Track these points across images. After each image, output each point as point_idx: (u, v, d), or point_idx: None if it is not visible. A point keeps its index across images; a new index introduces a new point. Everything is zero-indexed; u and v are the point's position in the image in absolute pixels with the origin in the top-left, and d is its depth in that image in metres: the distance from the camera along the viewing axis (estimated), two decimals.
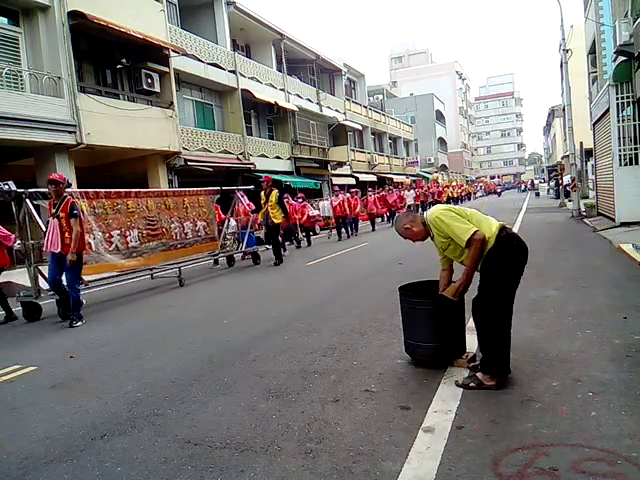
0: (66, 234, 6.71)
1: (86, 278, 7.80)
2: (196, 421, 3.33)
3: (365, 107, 38.19)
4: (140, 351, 5.21)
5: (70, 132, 13.29)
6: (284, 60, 26.03)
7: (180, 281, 9.48)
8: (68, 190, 7.33)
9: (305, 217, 16.47)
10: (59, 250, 6.69)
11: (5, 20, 13.07)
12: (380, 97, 48.92)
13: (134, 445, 3.06)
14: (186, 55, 17.94)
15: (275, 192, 11.49)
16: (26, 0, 12.81)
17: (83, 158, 14.69)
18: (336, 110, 31.56)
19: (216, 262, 12.14)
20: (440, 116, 62.76)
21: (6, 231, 7.55)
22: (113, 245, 8.53)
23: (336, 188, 21.39)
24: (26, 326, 7.02)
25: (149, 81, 16.10)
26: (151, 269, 9.64)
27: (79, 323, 6.72)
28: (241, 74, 21.98)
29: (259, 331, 5.54)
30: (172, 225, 9.97)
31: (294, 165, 26.18)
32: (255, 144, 22.95)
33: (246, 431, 3.11)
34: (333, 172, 30.56)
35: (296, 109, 25.76)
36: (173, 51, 16.97)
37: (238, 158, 21.22)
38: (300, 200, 16.92)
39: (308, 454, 2.78)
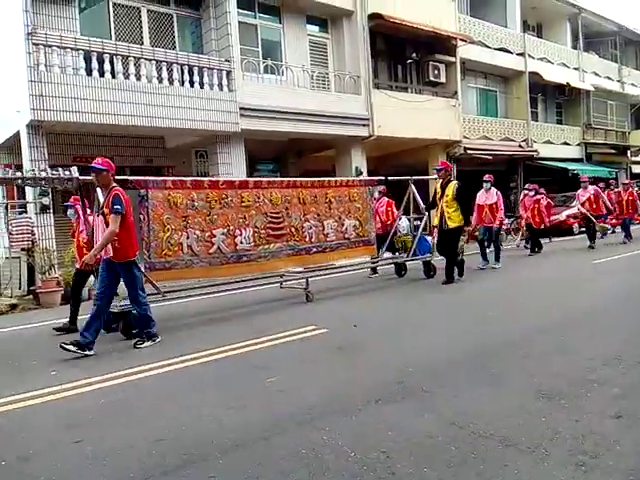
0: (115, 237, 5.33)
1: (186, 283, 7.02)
2: (461, 405, 3.44)
3: None
4: (403, 330, 5.61)
5: (364, 125, 14.76)
6: (580, 36, 23.55)
7: (307, 296, 7.58)
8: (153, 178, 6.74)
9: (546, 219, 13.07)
10: (109, 256, 5.42)
11: (316, 28, 15.14)
12: None
13: (402, 414, 3.34)
14: (473, 43, 17.85)
15: (454, 184, 8.67)
16: (334, 8, 14.56)
17: (372, 148, 16.10)
18: None
19: (374, 271, 9.97)
20: None
21: None
22: (214, 247, 7.04)
23: (584, 178, 14.21)
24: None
25: (435, 72, 16.63)
26: (281, 276, 8.15)
27: (147, 344, 5.47)
28: (530, 56, 20.80)
29: (532, 327, 5.35)
30: (306, 224, 8.10)
31: (584, 151, 23.67)
32: (540, 130, 21.59)
33: (512, 427, 3.08)
34: (634, 159, 26.45)
35: (592, 89, 23.14)
36: (460, 40, 17.06)
37: (520, 145, 20.25)
38: (532, 194, 13.05)
39: (579, 466, 2.62)
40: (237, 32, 12.57)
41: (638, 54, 29.25)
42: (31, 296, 9.51)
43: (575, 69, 23.23)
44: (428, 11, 15.77)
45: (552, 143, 21.94)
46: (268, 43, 14.10)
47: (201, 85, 11.95)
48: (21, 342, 6.47)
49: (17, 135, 10.82)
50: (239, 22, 12.78)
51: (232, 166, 12.82)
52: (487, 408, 3.38)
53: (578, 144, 23.43)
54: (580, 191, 13.75)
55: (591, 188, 13.52)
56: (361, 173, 15.04)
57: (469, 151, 17.55)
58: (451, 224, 8.50)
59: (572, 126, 23.55)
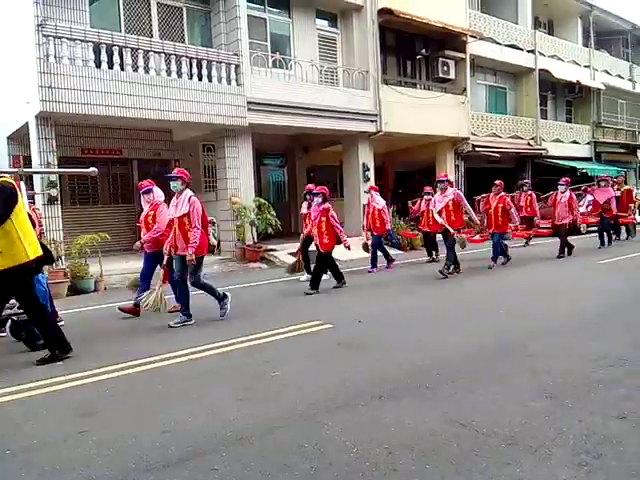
0: None
1: None
2: (464, 403, 3.43)
3: None
4: (413, 327, 5.59)
5: (372, 121, 14.72)
6: (592, 34, 23.34)
7: None
8: None
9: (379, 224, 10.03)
10: None
11: (326, 23, 15.08)
12: None
13: (405, 411, 3.34)
14: (483, 39, 17.73)
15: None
16: (344, 3, 14.50)
17: (380, 144, 16.06)
18: None
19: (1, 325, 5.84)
20: None
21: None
22: None
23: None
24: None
25: (445, 69, 16.55)
26: None
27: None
28: (540, 53, 20.65)
29: (539, 327, 5.32)
30: None
31: (594, 150, 23.46)
32: (549, 128, 21.44)
33: (514, 425, 3.07)
34: None
35: (602, 87, 22.96)
36: (470, 36, 16.96)
37: (529, 144, 20.13)
38: (320, 200, 8.14)
39: (582, 466, 2.62)
40: (246, 26, 12.55)
41: None
42: None
43: (586, 67, 23.06)
44: (438, 6, 15.68)
45: (561, 141, 21.81)
46: (277, 37, 14.07)
47: (209, 78, 11.94)
48: None
49: (26, 126, 10.87)
50: (248, 16, 12.76)
51: (239, 160, 12.83)
52: (491, 406, 3.37)
53: (587, 143, 23.27)
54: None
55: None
56: (368, 169, 15.01)
57: (477, 148, 17.47)
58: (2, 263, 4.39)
59: (582, 124, 23.39)
